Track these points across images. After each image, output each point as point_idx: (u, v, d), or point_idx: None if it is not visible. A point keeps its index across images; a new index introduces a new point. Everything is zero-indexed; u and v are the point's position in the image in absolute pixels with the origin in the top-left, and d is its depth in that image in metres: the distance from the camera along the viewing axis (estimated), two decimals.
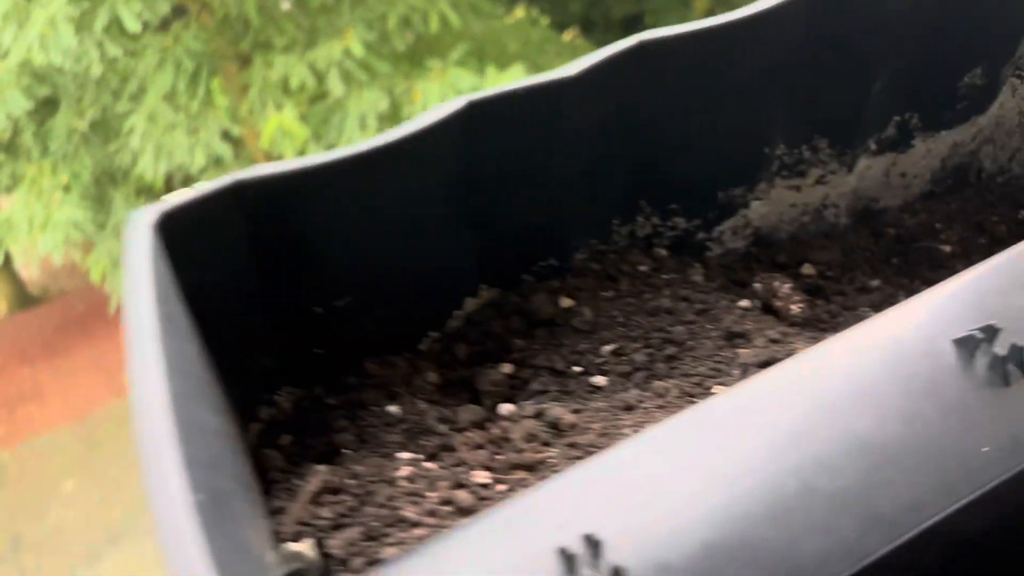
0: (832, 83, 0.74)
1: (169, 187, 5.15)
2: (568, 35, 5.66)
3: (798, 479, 0.49)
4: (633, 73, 0.64)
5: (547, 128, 0.62)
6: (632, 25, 5.24)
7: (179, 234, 0.52)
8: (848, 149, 0.78)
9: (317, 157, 0.55)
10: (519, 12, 5.57)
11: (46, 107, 5.10)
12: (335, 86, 4.23)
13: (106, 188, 5.15)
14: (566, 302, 0.68)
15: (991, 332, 0.56)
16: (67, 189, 4.98)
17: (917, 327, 0.58)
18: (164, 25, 4.47)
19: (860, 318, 0.76)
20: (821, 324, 0.72)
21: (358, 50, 4.18)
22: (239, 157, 4.75)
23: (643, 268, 0.71)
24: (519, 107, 0.60)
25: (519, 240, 0.68)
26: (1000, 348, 0.55)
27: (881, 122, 0.81)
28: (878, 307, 0.76)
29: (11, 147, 5.30)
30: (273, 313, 0.60)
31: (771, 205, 0.80)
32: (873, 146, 0.81)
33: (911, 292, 0.78)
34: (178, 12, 4.40)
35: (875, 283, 0.78)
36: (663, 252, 0.74)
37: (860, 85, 0.75)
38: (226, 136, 4.57)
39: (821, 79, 0.73)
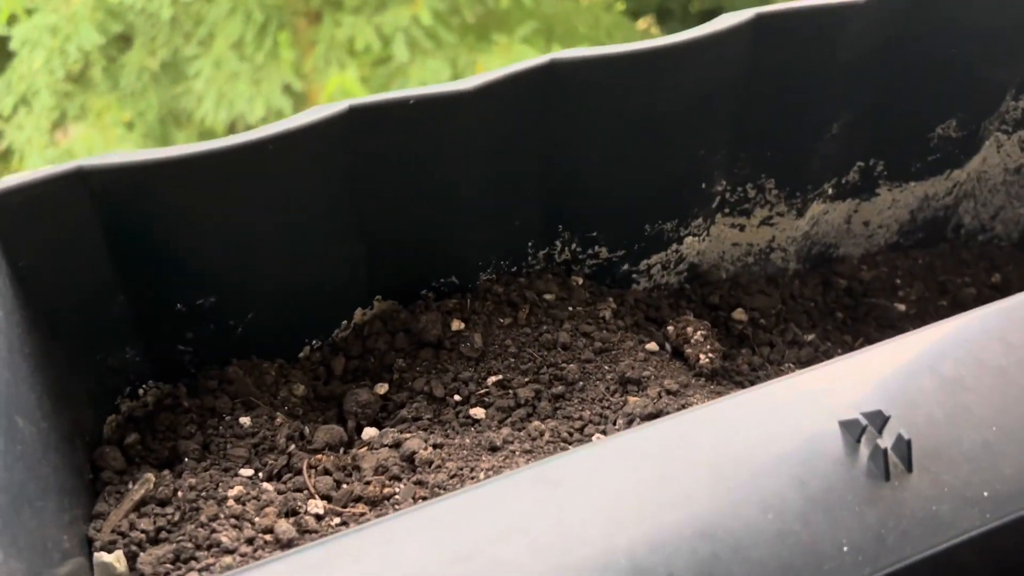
0: (780, 121, 0.69)
1: (232, 133, 5.20)
2: (643, 23, 5.56)
3: (630, 559, 0.46)
4: (542, 92, 0.60)
5: (438, 140, 0.58)
6: (710, 18, 5.10)
7: (12, 218, 0.50)
8: (799, 192, 0.73)
9: (176, 149, 0.53)
10: None
11: (118, 43, 5.19)
12: (400, 51, 4.21)
13: (170, 128, 5.23)
14: (457, 325, 0.64)
15: (879, 419, 0.52)
16: (130, 127, 5.07)
17: (812, 401, 0.54)
18: None
19: (780, 374, 0.72)
20: (730, 377, 0.67)
21: (426, 18, 4.16)
22: (299, 111, 4.77)
23: (548, 297, 0.67)
24: (406, 116, 0.56)
25: (418, 253, 0.65)
26: (887, 438, 0.51)
27: (841, 166, 0.75)
28: (805, 364, 0.71)
29: (82, 79, 5.41)
30: (135, 306, 0.58)
31: (711, 242, 0.75)
32: (830, 190, 0.76)
33: (850, 351, 0.73)
34: None
35: (810, 337, 0.73)
36: (579, 280, 0.70)
37: (813, 126, 0.70)
38: (288, 90, 4.59)
39: (768, 116, 0.68)
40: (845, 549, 0.47)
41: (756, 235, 0.75)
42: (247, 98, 4.86)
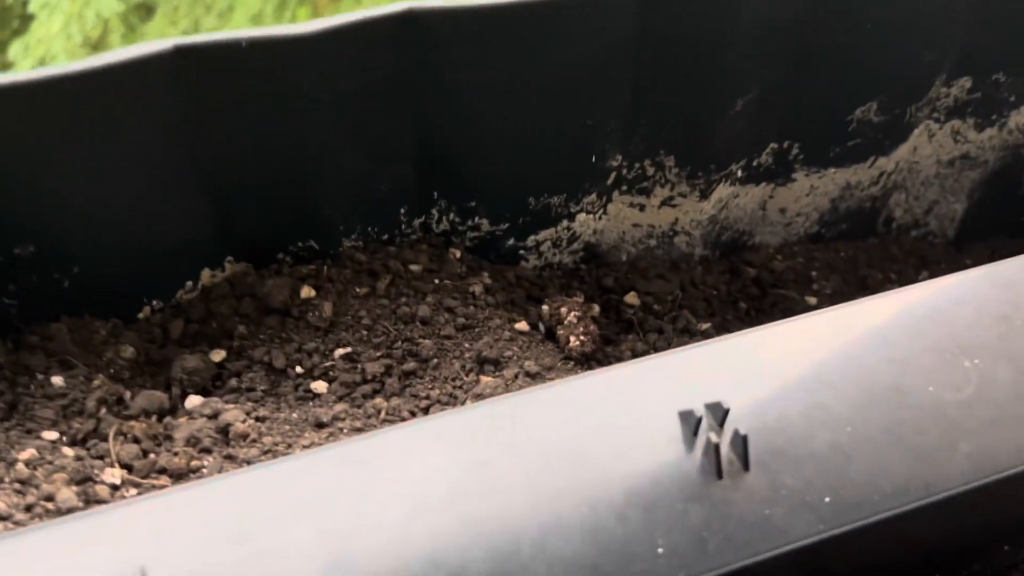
0: (678, 92, 0.64)
1: None
2: None
3: (424, 548, 0.42)
4: (400, 43, 0.55)
5: (281, 88, 0.54)
6: None
7: None
8: (701, 172, 0.68)
9: None
10: None
11: (139, 11, 5.19)
12: None
13: None
14: (307, 292, 0.60)
15: (719, 412, 0.47)
16: None
17: (656, 388, 0.49)
18: None
19: None
20: (607, 363, 0.63)
21: None
22: None
23: (414, 268, 0.63)
24: (242, 60, 0.52)
25: (271, 213, 0.60)
26: (726, 432, 0.47)
27: (751, 147, 0.70)
28: None
29: (100, 46, 5.41)
30: None
31: (609, 222, 0.70)
32: (740, 172, 0.71)
33: None
34: None
35: (704, 326, 0.68)
36: (457, 253, 0.66)
37: (715, 99, 0.65)
38: None
39: (664, 86, 0.63)
40: (660, 551, 0.43)
41: (658, 216, 0.71)
42: None
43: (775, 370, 0.52)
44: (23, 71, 0.49)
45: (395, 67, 0.56)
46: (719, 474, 0.46)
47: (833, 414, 0.50)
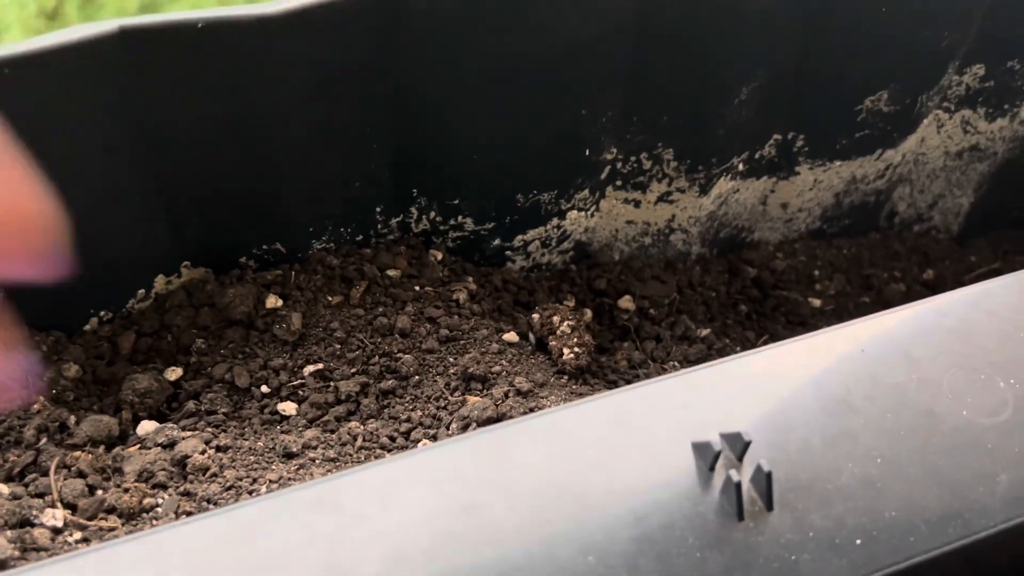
0: (679, 80, 0.58)
1: None
2: None
3: None
4: (374, 25, 0.49)
5: (240, 75, 0.48)
6: None
7: None
8: (702, 165, 0.63)
9: None
10: None
11: None
12: None
13: None
14: (273, 301, 0.54)
15: (739, 444, 0.42)
16: None
17: (666, 416, 0.44)
18: None
19: (663, 372, 0.62)
20: (603, 376, 0.58)
21: None
22: None
23: (392, 273, 0.57)
24: (197, 43, 0.46)
25: (231, 213, 0.54)
26: (747, 467, 0.42)
27: (754, 138, 0.65)
28: (694, 362, 0.61)
29: (56, 16, 5.26)
30: None
31: (601, 219, 0.65)
32: (741, 166, 0.66)
33: (750, 348, 0.63)
34: None
35: (704, 332, 0.63)
36: (439, 256, 0.60)
37: (718, 87, 0.60)
38: None
39: (664, 73, 0.58)
40: None
41: (654, 213, 0.66)
42: None
43: (794, 393, 0.47)
44: None
45: (370, 51, 0.50)
46: (740, 515, 0.41)
47: (861, 443, 0.45)
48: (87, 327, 0.54)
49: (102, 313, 0.54)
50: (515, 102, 0.55)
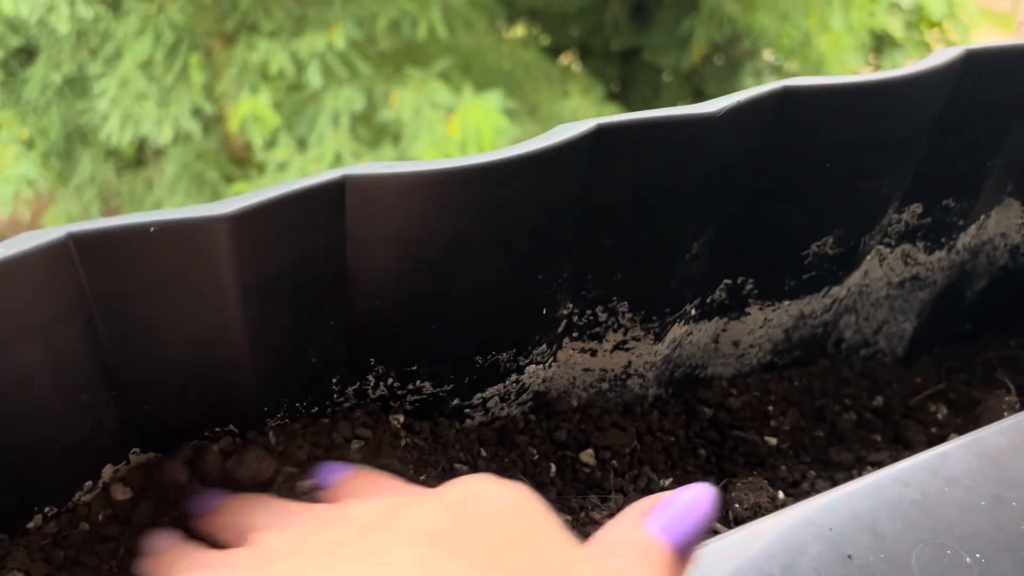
0: (631, 242, 0.59)
1: (141, 153, 5.05)
2: (565, 59, 5.50)
3: None
4: (331, 207, 0.49)
5: (187, 274, 0.47)
6: (630, 58, 5.07)
7: None
8: (656, 316, 0.64)
9: None
10: (519, 31, 5.42)
11: (19, 56, 4.98)
12: (314, 78, 4.12)
13: (75, 146, 5.03)
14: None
15: None
16: (30, 145, 4.84)
17: None
18: None
19: None
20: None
21: (341, 44, 4.07)
22: (209, 135, 4.65)
23: (355, 445, 0.57)
24: (144, 250, 0.45)
25: (182, 398, 0.53)
26: None
27: (705, 286, 0.66)
28: None
29: None
30: None
31: (559, 368, 0.65)
32: (693, 311, 0.67)
33: None
34: None
35: (667, 482, 0.63)
36: (400, 419, 0.60)
37: (669, 246, 0.61)
38: (198, 113, 4.44)
39: (615, 236, 0.59)
40: None
41: (610, 360, 0.66)
42: (154, 119, 4.69)
43: None
44: None
45: (326, 233, 0.50)
46: None
47: None
48: (30, 524, 0.52)
49: (47, 508, 0.52)
50: (471, 271, 0.55)
